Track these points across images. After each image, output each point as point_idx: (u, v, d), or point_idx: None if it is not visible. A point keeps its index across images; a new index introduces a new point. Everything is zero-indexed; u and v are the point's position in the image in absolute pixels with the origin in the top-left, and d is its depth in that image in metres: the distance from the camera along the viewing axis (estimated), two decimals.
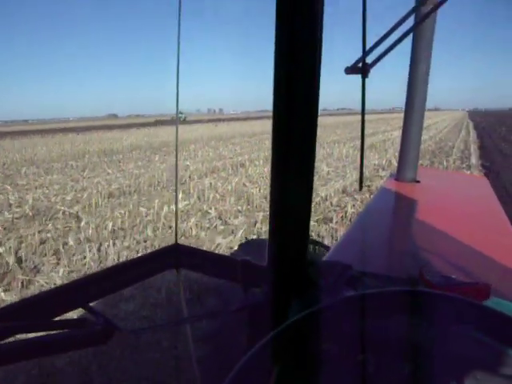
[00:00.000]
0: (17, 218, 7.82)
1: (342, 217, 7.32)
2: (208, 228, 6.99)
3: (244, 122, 63.98)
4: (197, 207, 8.23)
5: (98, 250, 5.94)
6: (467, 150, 17.74)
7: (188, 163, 14.81)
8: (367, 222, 2.35)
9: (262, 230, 6.78)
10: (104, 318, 0.95)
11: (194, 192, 9.54)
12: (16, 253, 5.79)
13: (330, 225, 6.86)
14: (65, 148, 23.67)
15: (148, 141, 27.16)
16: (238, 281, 1.11)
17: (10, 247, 5.92)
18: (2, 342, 0.85)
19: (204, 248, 5.57)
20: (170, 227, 6.96)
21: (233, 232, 6.70)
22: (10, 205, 9.03)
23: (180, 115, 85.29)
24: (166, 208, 7.85)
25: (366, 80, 1.20)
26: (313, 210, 7.31)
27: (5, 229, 7.16)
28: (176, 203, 2.67)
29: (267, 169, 12.69)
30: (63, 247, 6.06)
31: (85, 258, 5.63)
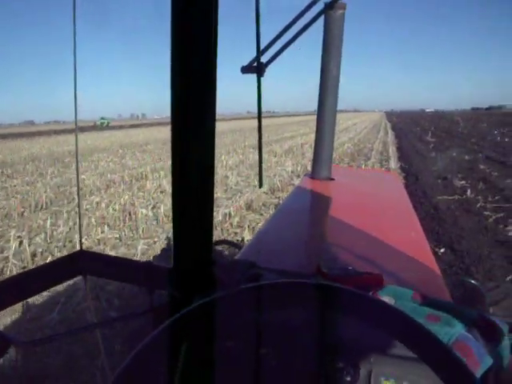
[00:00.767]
0: None
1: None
2: None
3: (166, 127, 61.66)
4: (69, 236, 6.57)
5: None
6: (386, 152, 17.21)
7: (84, 176, 12.89)
8: (280, 220, 2.39)
9: None
10: None
11: (70, 216, 7.81)
12: None
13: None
14: None
15: (53, 150, 24.63)
16: (142, 284, 1.09)
17: None
18: None
19: None
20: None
21: None
22: None
23: (103, 121, 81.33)
24: (26, 242, 6.10)
25: (263, 79, 1.38)
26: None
27: None
28: (79, 206, 2.05)
29: (168, 179, 11.12)
30: None
31: None
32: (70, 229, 7.04)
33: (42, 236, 6.64)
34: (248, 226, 6.77)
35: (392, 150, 18.09)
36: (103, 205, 8.56)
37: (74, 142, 1.16)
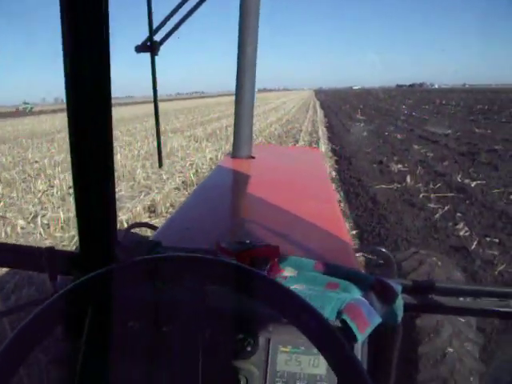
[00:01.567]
0: None
1: None
2: None
3: None
4: None
5: None
6: (315, 133, 16.05)
7: None
8: (197, 199, 2.43)
9: None
10: None
11: None
12: None
13: None
14: None
15: None
16: (45, 270, 1.05)
17: None
18: None
19: None
20: None
21: None
22: None
23: (26, 105, 74.19)
24: None
25: (158, 58, 1.38)
26: None
27: None
28: None
29: (64, 175, 9.26)
30: None
31: None
32: None
33: None
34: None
35: (322, 130, 16.99)
36: None
37: None
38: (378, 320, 0.98)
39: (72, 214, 6.23)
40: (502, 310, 1.14)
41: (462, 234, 5.27)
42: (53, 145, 16.89)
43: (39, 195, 8.00)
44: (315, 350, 0.67)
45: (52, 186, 8.70)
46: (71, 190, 7.16)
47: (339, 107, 36.15)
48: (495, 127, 17.40)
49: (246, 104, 2.97)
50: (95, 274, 0.75)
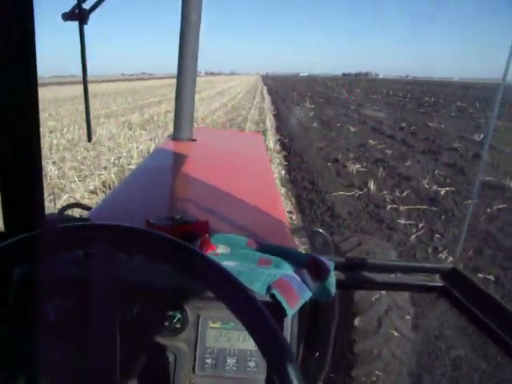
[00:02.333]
0: None
1: None
2: None
3: None
4: None
5: None
6: (263, 123, 14.70)
7: None
8: (133, 180, 2.33)
9: None
10: None
11: None
12: None
13: None
14: None
15: None
16: None
17: None
18: None
19: None
20: None
21: None
22: None
23: None
24: None
25: (87, 27, 1.36)
26: None
27: None
28: None
29: None
30: None
31: None
32: None
33: None
34: None
35: (270, 120, 15.65)
36: None
37: None
38: (308, 295, 1.02)
39: None
40: (429, 284, 1.25)
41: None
42: None
43: None
44: None
45: None
46: None
47: (287, 94, 34.88)
48: (448, 122, 16.74)
49: (188, 86, 2.91)
50: (10, 242, 0.69)
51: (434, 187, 6.88)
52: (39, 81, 0.87)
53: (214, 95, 30.17)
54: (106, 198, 2.22)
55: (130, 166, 8.04)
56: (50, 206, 5.58)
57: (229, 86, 49.68)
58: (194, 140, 3.08)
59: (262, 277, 1.01)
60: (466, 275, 1.19)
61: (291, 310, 0.97)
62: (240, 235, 1.23)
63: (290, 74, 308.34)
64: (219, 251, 1.17)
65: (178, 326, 1.01)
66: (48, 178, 7.22)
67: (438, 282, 1.25)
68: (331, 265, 1.10)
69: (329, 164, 8.49)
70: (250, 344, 0.98)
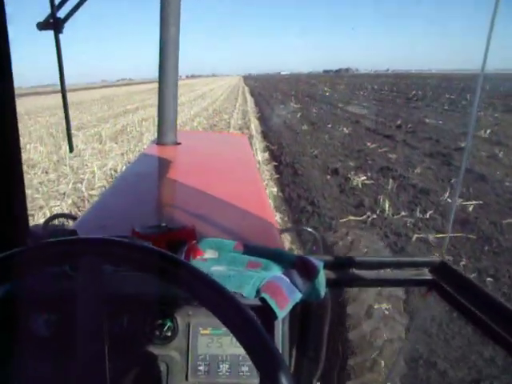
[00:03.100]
0: None
1: None
2: None
3: None
4: None
5: None
6: (247, 128, 13.42)
7: None
8: (119, 187, 2.31)
9: None
10: None
11: None
12: None
13: None
14: None
15: None
16: None
17: None
18: None
19: None
20: None
21: None
22: None
23: None
24: None
25: (62, 36, 1.35)
26: None
27: None
28: None
29: None
30: None
31: None
32: None
33: None
34: None
35: (254, 124, 14.35)
36: None
37: None
38: (298, 296, 1.02)
39: None
40: (419, 278, 1.23)
41: None
42: None
43: None
44: None
45: None
46: None
47: (270, 94, 33.55)
48: (444, 117, 15.67)
49: (170, 89, 2.88)
50: None
51: (459, 201, 5.68)
52: (17, 91, 0.87)
53: (194, 99, 28.79)
54: (91, 206, 2.15)
55: (93, 192, 6.74)
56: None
57: (210, 88, 48.26)
58: (179, 143, 3.02)
59: (251, 280, 1.01)
60: (454, 268, 1.19)
61: (281, 313, 0.98)
62: (228, 239, 1.23)
63: (271, 74, 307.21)
64: (207, 256, 1.18)
65: (169, 334, 1.01)
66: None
67: (427, 275, 1.22)
68: (320, 264, 1.10)
69: (328, 177, 7.24)
70: (241, 349, 0.74)
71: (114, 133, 13.42)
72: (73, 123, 16.82)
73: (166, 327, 1.01)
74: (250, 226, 1.63)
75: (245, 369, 1.01)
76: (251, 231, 1.54)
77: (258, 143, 10.53)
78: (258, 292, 0.99)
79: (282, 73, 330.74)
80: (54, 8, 1.35)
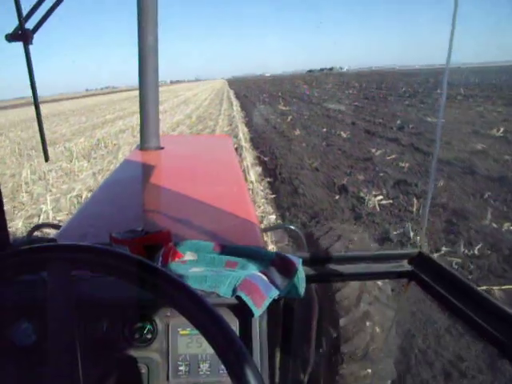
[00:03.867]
0: None
1: None
2: None
3: None
4: None
5: None
6: (235, 137, 12.17)
7: None
8: (102, 194, 2.29)
9: None
10: None
11: None
12: None
13: None
14: None
15: None
16: None
17: None
18: None
19: None
20: None
21: None
22: None
23: None
24: None
25: (32, 47, 1.33)
26: None
27: None
28: None
29: None
30: None
31: None
32: None
33: None
34: None
35: (242, 131, 13.09)
36: None
37: None
38: (275, 293, 1.02)
39: None
40: (398, 270, 1.25)
41: None
42: None
43: None
44: None
45: None
46: None
47: (257, 97, 32.26)
48: (445, 115, 14.57)
49: (151, 94, 2.85)
50: None
51: (506, 226, 4.51)
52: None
53: (177, 105, 27.48)
54: (75, 214, 2.09)
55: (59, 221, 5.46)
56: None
57: (193, 93, 46.96)
58: (162, 148, 3.01)
59: (228, 279, 1.01)
60: (432, 258, 1.21)
61: (258, 310, 0.97)
62: (207, 240, 1.23)
63: (255, 76, 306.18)
64: (186, 258, 1.18)
65: (149, 336, 1.01)
66: None
67: (406, 267, 1.25)
68: (299, 260, 1.10)
69: (336, 196, 6.02)
70: None
71: (88, 147, 12.10)
72: (50, 139, 15.48)
73: (146, 330, 1.01)
74: (231, 227, 1.63)
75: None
76: (232, 231, 1.54)
77: (248, 155, 9.28)
78: (234, 291, 0.99)
79: (266, 74, 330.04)
80: (22, 19, 1.33)
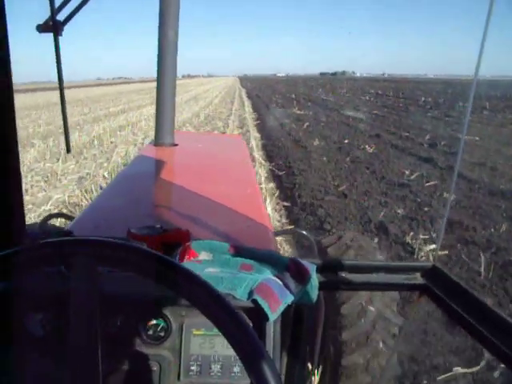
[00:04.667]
0: None
1: None
2: None
3: None
4: None
5: None
6: (246, 140, 10.89)
7: None
8: (116, 188, 2.30)
9: None
10: None
11: None
12: None
13: None
14: None
15: None
16: None
17: None
18: None
19: None
20: None
21: None
22: None
23: None
24: None
25: (62, 39, 1.36)
26: None
27: None
28: None
29: None
30: None
31: None
32: None
33: None
34: None
35: (254, 137, 11.80)
36: None
37: None
38: (290, 298, 1.01)
39: None
40: (410, 282, 1.21)
41: None
42: None
43: None
44: None
45: None
46: None
47: (269, 98, 30.85)
48: (476, 131, 13.19)
49: (168, 91, 2.83)
50: None
51: None
52: (15, 87, 0.86)
53: (186, 100, 26.16)
54: (88, 206, 2.15)
55: None
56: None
57: (204, 89, 45.66)
58: (176, 145, 2.98)
59: (244, 282, 1.01)
60: (445, 272, 1.18)
61: (273, 315, 0.97)
62: (222, 241, 1.22)
63: (267, 75, 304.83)
64: (201, 258, 1.17)
65: (162, 334, 1.01)
66: None
67: (419, 280, 1.21)
68: (313, 267, 1.10)
69: (375, 239, 4.68)
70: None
71: (81, 144, 10.83)
72: (39, 129, 14.26)
73: (160, 327, 1.01)
74: (245, 229, 1.62)
75: (236, 369, 1.01)
76: (245, 233, 1.54)
77: (262, 169, 7.99)
78: (250, 294, 0.99)
79: (278, 74, 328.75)
80: (54, 11, 1.35)
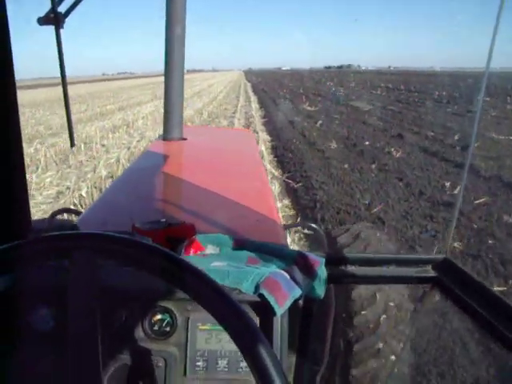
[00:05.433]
0: None
1: None
2: None
3: None
4: None
5: None
6: None
7: None
8: (124, 182, 2.31)
9: None
10: None
11: None
12: None
13: None
14: None
15: None
16: None
17: None
18: None
19: None
20: None
21: None
22: None
23: None
24: None
25: (63, 31, 1.33)
26: None
27: None
28: None
29: None
30: None
31: None
32: None
33: None
34: None
35: (263, 139, 10.55)
36: None
37: None
38: (298, 292, 0.98)
39: None
40: (422, 275, 1.21)
41: None
42: None
43: None
44: None
45: None
46: None
47: (276, 92, 29.53)
48: (505, 129, 11.92)
49: (176, 85, 2.79)
50: None
51: None
52: (19, 84, 0.85)
53: (190, 96, 24.93)
54: (95, 201, 2.10)
55: None
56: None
57: (209, 84, 44.39)
58: (185, 139, 2.92)
59: (251, 276, 0.98)
60: (457, 265, 1.16)
61: (280, 309, 0.94)
62: (229, 235, 1.20)
63: (272, 69, 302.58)
64: (208, 252, 1.15)
65: (168, 329, 0.99)
66: None
67: (430, 273, 1.21)
68: (321, 260, 1.08)
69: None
70: None
71: (68, 149, 9.62)
72: (27, 132, 13.04)
73: (165, 322, 0.99)
74: (253, 223, 1.60)
75: (243, 364, 0.98)
76: (253, 227, 1.51)
77: (274, 181, 6.75)
78: (256, 288, 0.96)
79: (283, 68, 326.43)
80: (55, 3, 1.33)
